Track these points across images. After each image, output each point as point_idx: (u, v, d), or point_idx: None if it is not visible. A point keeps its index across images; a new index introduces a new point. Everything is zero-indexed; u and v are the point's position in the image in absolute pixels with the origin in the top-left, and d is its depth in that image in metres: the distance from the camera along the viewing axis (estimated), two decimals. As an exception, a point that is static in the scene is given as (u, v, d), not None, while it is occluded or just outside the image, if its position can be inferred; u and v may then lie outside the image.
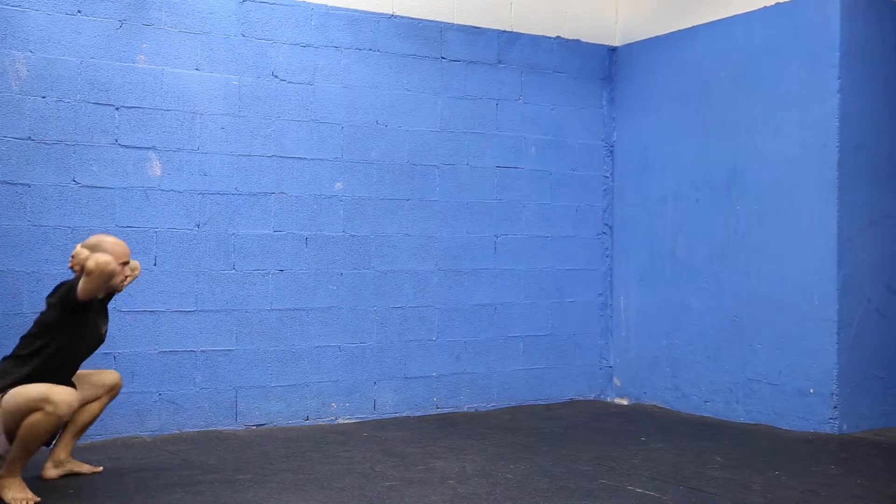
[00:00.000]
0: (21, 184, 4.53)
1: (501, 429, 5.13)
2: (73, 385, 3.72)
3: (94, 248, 3.67)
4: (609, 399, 6.23)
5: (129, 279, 3.90)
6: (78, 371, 3.84)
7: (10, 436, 3.51)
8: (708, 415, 5.56)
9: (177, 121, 4.89)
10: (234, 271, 5.04)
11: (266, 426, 5.07)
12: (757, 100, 5.36)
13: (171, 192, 4.87)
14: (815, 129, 5.05)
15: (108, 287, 3.69)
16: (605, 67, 6.30)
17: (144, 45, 4.81)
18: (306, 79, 5.24)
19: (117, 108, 4.75)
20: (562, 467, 4.15)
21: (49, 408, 3.39)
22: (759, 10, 5.36)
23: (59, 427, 3.53)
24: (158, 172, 4.84)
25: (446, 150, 5.69)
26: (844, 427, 4.94)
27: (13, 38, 4.51)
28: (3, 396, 3.50)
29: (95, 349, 3.85)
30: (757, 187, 5.35)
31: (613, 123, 6.32)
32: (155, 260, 4.83)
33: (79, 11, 4.66)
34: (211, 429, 4.92)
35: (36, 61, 4.56)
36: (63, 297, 3.56)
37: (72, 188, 4.64)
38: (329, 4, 5.30)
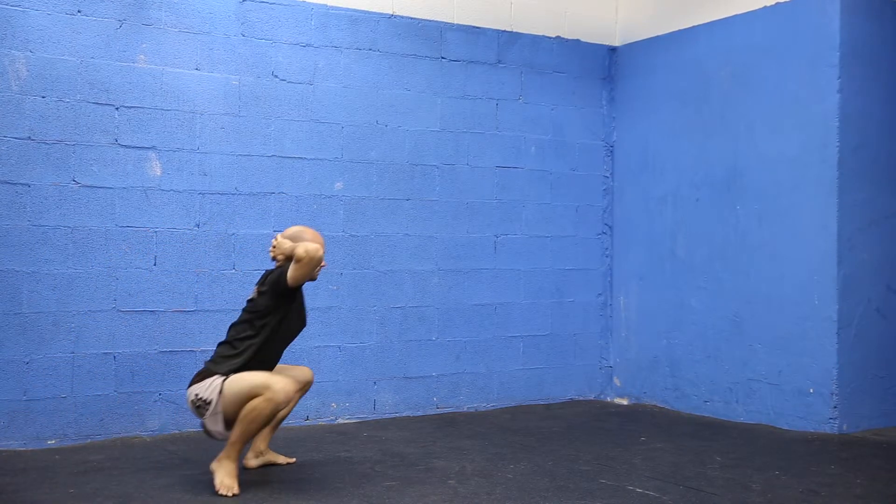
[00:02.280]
0: (21, 184, 4.53)
1: (501, 429, 5.13)
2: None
3: (295, 239, 3.89)
4: (609, 399, 6.23)
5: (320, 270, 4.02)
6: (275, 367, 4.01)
7: (229, 422, 3.71)
8: (708, 415, 5.56)
9: (177, 121, 4.89)
10: (234, 271, 5.04)
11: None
12: (757, 99, 5.36)
13: (171, 192, 4.87)
14: (815, 129, 5.05)
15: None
16: (605, 67, 6.30)
17: (144, 45, 4.82)
18: (306, 79, 5.24)
19: (117, 108, 4.75)
20: (562, 467, 4.15)
21: (269, 394, 3.60)
22: (759, 10, 5.36)
23: (276, 413, 3.72)
24: (158, 172, 4.85)
25: (446, 150, 5.69)
26: (844, 427, 4.94)
27: (13, 38, 4.51)
28: (224, 381, 3.70)
29: (300, 332, 4.06)
30: (757, 187, 5.35)
31: (613, 123, 6.32)
32: (155, 260, 4.83)
33: (79, 11, 4.66)
34: (211, 429, 4.92)
35: (36, 61, 4.56)
36: (273, 283, 3.79)
37: (72, 188, 4.64)
38: (329, 4, 5.31)
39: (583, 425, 5.26)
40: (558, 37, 6.11)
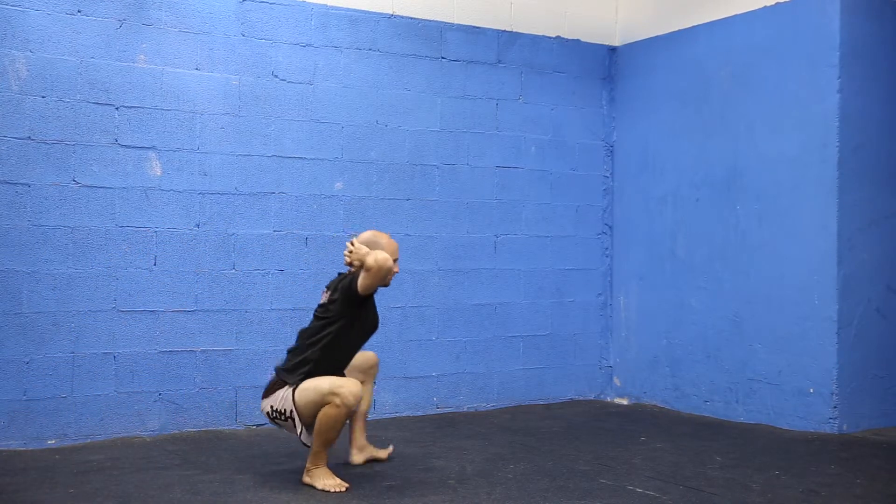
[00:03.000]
0: (21, 184, 4.53)
1: (501, 429, 5.13)
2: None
3: (370, 245, 3.94)
4: (609, 399, 6.23)
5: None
6: None
7: (309, 426, 3.80)
8: (708, 415, 5.56)
9: (177, 121, 4.89)
10: (234, 271, 5.04)
11: (266, 426, 5.07)
12: (757, 99, 5.36)
13: (171, 192, 4.87)
14: (815, 129, 5.05)
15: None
16: (605, 67, 6.30)
17: (144, 45, 4.82)
18: (306, 79, 5.24)
19: (117, 108, 4.75)
20: (562, 467, 4.15)
21: (337, 401, 3.67)
22: (759, 10, 5.36)
23: (349, 416, 3.81)
24: (158, 172, 4.85)
25: (446, 150, 5.69)
26: (844, 427, 4.94)
27: (13, 38, 4.51)
28: (294, 391, 3.78)
29: (370, 336, 4.07)
30: (757, 187, 5.35)
31: (613, 123, 6.32)
32: (155, 260, 4.83)
33: (79, 11, 4.66)
34: (211, 429, 4.92)
35: (36, 61, 4.56)
36: (345, 290, 3.84)
37: (72, 188, 4.64)
38: (329, 4, 5.31)
39: (583, 425, 5.26)
40: (558, 37, 6.11)
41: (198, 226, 4.94)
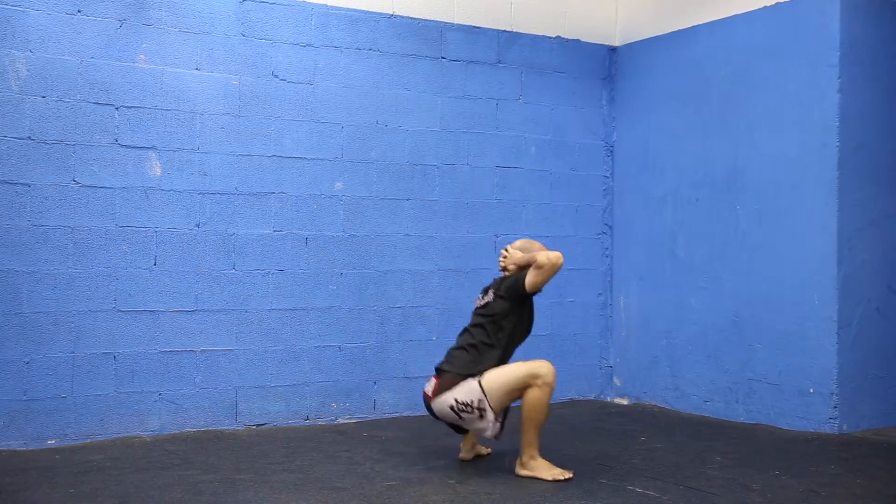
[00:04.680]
0: (21, 184, 4.53)
1: (501, 429, 5.13)
2: None
3: (525, 250, 4.12)
4: (609, 399, 6.23)
5: None
6: None
7: (499, 415, 3.91)
8: (708, 415, 5.56)
9: (177, 121, 4.89)
10: (234, 271, 5.04)
11: (266, 426, 5.07)
12: (757, 99, 5.36)
13: (171, 192, 4.87)
14: (815, 129, 5.05)
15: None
16: (605, 67, 6.30)
17: (144, 45, 4.82)
18: (306, 79, 5.24)
19: (117, 108, 4.75)
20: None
21: (539, 381, 3.81)
22: (759, 10, 5.36)
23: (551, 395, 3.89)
24: (158, 172, 4.85)
25: (446, 150, 5.69)
26: (844, 427, 4.94)
27: (13, 38, 4.51)
28: (481, 381, 3.89)
29: (526, 337, 4.18)
30: (757, 187, 5.35)
31: (613, 123, 6.32)
32: (155, 260, 4.83)
33: (79, 11, 4.66)
34: (211, 429, 4.93)
35: (36, 61, 4.56)
36: (511, 289, 4.00)
37: (72, 188, 4.64)
38: (329, 4, 5.31)
39: (583, 425, 5.25)
40: (558, 37, 6.11)
41: (198, 226, 4.94)
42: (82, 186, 4.66)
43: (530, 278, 3.94)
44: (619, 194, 6.29)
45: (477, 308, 4.17)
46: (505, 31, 5.90)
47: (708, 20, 5.68)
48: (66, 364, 4.60)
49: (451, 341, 5.65)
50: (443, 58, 5.69)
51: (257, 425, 5.06)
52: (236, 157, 5.05)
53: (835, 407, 4.92)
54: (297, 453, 4.40)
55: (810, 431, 4.97)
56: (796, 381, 5.08)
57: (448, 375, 3.98)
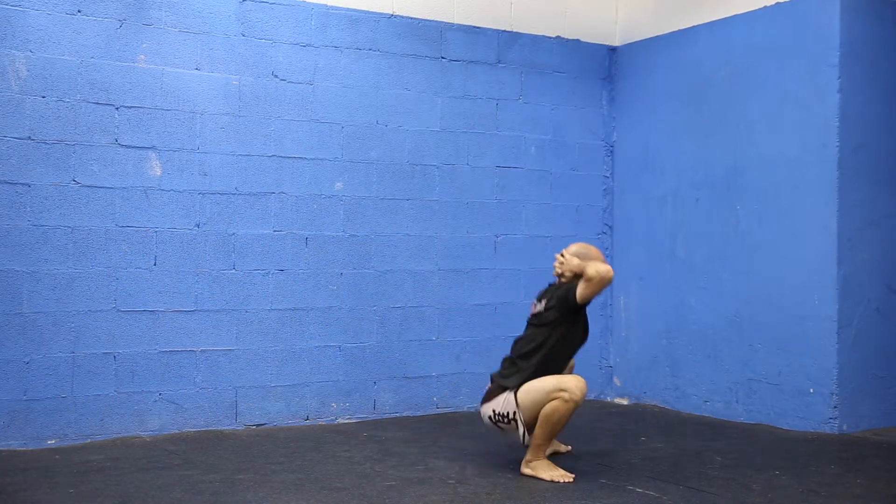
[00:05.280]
0: (21, 184, 4.53)
1: (501, 429, 5.13)
2: None
3: (581, 257, 4.07)
4: (609, 399, 6.23)
5: None
6: None
7: (530, 427, 3.93)
8: (708, 415, 5.56)
9: (177, 121, 4.89)
10: (234, 271, 5.04)
11: (266, 426, 5.07)
12: (757, 99, 5.36)
13: (171, 192, 4.87)
14: (815, 129, 5.05)
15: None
16: (605, 67, 6.30)
17: (144, 45, 4.82)
18: (306, 79, 5.24)
19: (117, 108, 4.75)
20: (562, 467, 4.15)
21: (566, 395, 3.82)
22: (759, 10, 5.36)
23: (574, 411, 3.89)
24: (158, 172, 4.85)
25: (446, 150, 5.69)
26: (844, 427, 4.94)
27: (13, 38, 4.51)
28: (516, 393, 3.93)
29: (582, 345, 4.19)
30: (757, 187, 5.34)
31: (613, 123, 6.32)
32: (155, 260, 4.83)
33: (79, 11, 4.66)
34: (211, 429, 4.93)
35: (36, 61, 4.56)
36: (562, 300, 3.98)
37: (72, 188, 4.64)
38: (329, 4, 5.31)
39: (583, 425, 5.25)
40: (558, 37, 6.11)
41: (198, 226, 4.94)
42: (82, 186, 4.66)
43: (580, 291, 3.92)
44: (619, 194, 6.29)
45: (532, 315, 4.15)
46: (505, 31, 5.90)
47: (708, 20, 5.68)
48: (66, 364, 4.60)
49: (451, 341, 5.69)
50: (443, 58, 5.69)
51: (257, 425, 5.06)
52: (236, 157, 5.05)
53: (835, 407, 4.92)
54: (297, 453, 4.40)
55: (810, 431, 4.97)
56: (796, 381, 5.08)
57: (494, 385, 4.06)
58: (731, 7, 5.54)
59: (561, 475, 3.90)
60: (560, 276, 4.12)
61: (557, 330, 4.00)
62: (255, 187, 5.09)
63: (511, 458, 4.33)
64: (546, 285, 4.27)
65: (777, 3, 5.26)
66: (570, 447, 4.49)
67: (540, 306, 4.09)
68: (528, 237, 5.97)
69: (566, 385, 3.82)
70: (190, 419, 4.89)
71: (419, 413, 5.54)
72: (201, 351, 4.93)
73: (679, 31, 5.88)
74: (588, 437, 4.91)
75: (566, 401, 3.81)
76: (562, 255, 4.13)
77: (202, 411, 4.93)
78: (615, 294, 6.27)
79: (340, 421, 5.30)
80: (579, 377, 3.88)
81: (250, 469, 4.07)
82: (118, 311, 4.72)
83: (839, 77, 4.95)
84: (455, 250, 5.71)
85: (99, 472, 3.97)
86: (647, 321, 6.04)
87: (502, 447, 4.58)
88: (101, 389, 4.68)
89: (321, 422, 5.24)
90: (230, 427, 4.98)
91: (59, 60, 4.61)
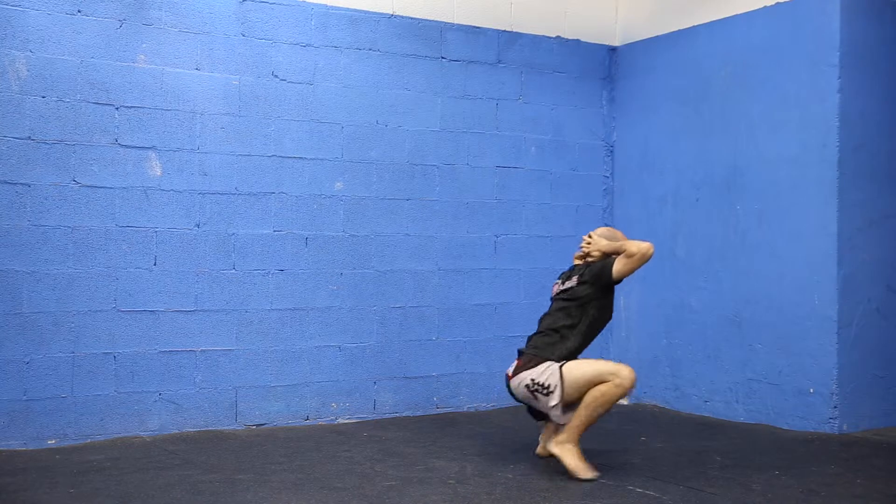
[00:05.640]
0: (21, 184, 4.53)
1: (501, 429, 5.13)
2: None
3: (610, 238, 4.19)
4: (609, 399, 6.22)
5: None
6: None
7: (568, 405, 3.92)
8: (708, 415, 5.56)
9: (177, 121, 4.89)
10: (234, 271, 5.04)
11: (266, 426, 5.07)
12: (757, 100, 5.36)
13: (171, 192, 4.87)
14: (815, 129, 5.05)
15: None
16: (605, 67, 6.30)
17: (144, 45, 4.82)
18: (306, 79, 5.24)
19: (117, 108, 4.75)
20: (562, 467, 4.15)
21: (618, 380, 3.82)
22: (759, 9, 5.36)
23: (620, 399, 3.90)
24: (158, 172, 4.85)
25: (446, 150, 5.69)
26: (844, 427, 4.94)
27: (13, 38, 4.51)
28: (561, 367, 3.93)
29: (606, 325, 4.23)
30: (757, 187, 5.34)
31: (613, 123, 6.32)
32: (155, 260, 4.83)
33: (79, 11, 4.66)
34: (211, 429, 4.93)
35: (36, 61, 4.56)
36: (597, 276, 4.04)
37: (72, 188, 4.64)
38: (329, 4, 5.31)
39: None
40: (558, 37, 6.11)
41: (198, 226, 4.94)
42: (82, 186, 4.66)
43: (618, 266, 4.00)
44: (619, 194, 6.29)
45: (556, 294, 4.20)
46: (505, 31, 5.90)
47: (708, 20, 5.68)
48: (66, 364, 4.60)
49: (451, 341, 5.69)
50: (443, 58, 5.69)
51: (257, 425, 5.06)
52: (236, 157, 5.05)
53: (835, 407, 4.92)
54: (297, 453, 4.40)
55: (810, 431, 4.97)
56: (796, 381, 5.08)
57: (528, 356, 4.04)
58: (731, 7, 5.54)
59: (584, 469, 3.89)
60: (585, 255, 4.21)
61: (592, 304, 4.06)
62: (255, 187, 5.09)
63: (511, 459, 4.33)
64: (568, 268, 4.35)
65: (777, 3, 5.26)
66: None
67: (570, 283, 4.13)
68: (528, 237, 5.97)
69: (619, 371, 3.85)
70: (190, 419, 4.89)
71: (419, 413, 5.54)
72: (201, 351, 4.93)
73: (679, 31, 5.88)
74: (588, 437, 4.91)
75: (617, 386, 3.82)
76: (589, 236, 4.24)
77: (202, 411, 4.93)
78: (615, 294, 6.26)
79: (340, 421, 5.30)
80: (631, 368, 3.89)
81: (250, 469, 4.07)
82: (118, 311, 4.72)
83: (839, 77, 4.95)
84: (455, 250, 5.71)
85: (99, 472, 3.97)
86: (647, 321, 6.04)
87: (502, 447, 4.58)
88: (101, 389, 4.68)
89: (321, 422, 5.24)
90: (230, 427, 4.98)
91: (59, 60, 4.61)
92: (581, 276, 4.11)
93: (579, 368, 3.91)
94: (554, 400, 3.92)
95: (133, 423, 4.75)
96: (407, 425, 5.20)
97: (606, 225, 6.28)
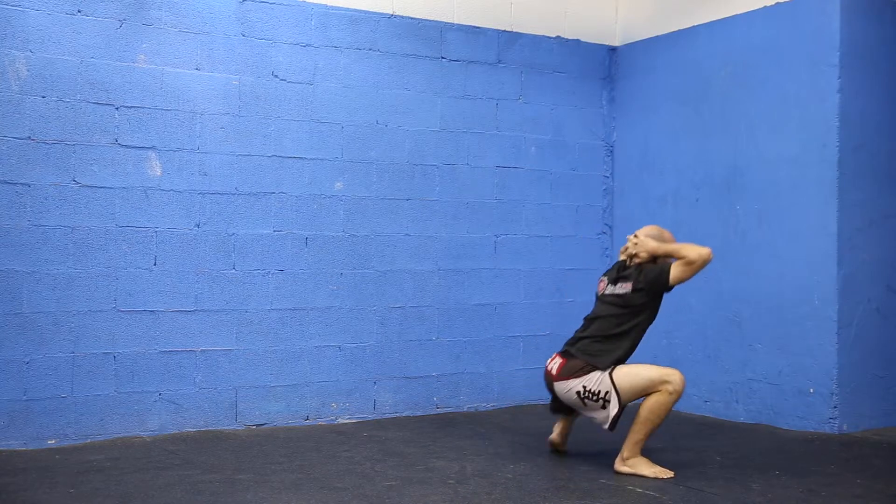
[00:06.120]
0: (21, 184, 4.53)
1: (501, 429, 5.13)
2: None
3: (658, 239, 4.11)
4: (609, 399, 6.22)
5: None
6: None
7: (621, 411, 3.96)
8: (708, 415, 5.56)
9: (177, 121, 4.89)
10: (234, 271, 5.04)
11: (266, 426, 5.07)
12: (757, 100, 5.36)
13: (171, 192, 4.87)
14: (815, 129, 5.05)
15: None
16: (605, 67, 6.30)
17: (144, 45, 4.82)
18: (306, 79, 5.24)
19: (117, 108, 4.75)
20: (562, 467, 4.16)
21: (670, 388, 3.85)
22: (759, 10, 5.36)
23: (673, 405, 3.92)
24: (158, 172, 4.84)
25: (446, 150, 5.69)
26: (844, 427, 4.94)
27: (13, 38, 4.51)
28: (612, 375, 3.95)
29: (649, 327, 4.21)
30: (757, 187, 5.35)
31: (613, 123, 6.32)
32: (155, 260, 4.83)
33: (79, 11, 4.66)
34: (211, 429, 4.93)
35: (36, 61, 4.56)
36: (653, 282, 3.99)
37: (72, 188, 4.64)
38: (329, 4, 5.31)
39: (583, 425, 5.24)
40: (558, 37, 6.11)
41: (198, 226, 4.94)
42: (82, 186, 4.66)
43: (676, 273, 3.95)
44: (619, 194, 6.29)
45: (605, 296, 4.15)
46: (505, 31, 5.90)
47: (708, 20, 5.68)
48: (66, 364, 4.60)
49: (451, 341, 5.68)
50: (443, 58, 5.69)
51: (257, 425, 5.06)
52: (236, 157, 5.05)
53: (835, 407, 4.92)
54: (297, 453, 4.40)
55: (810, 431, 4.97)
56: (796, 381, 5.08)
57: (577, 361, 4.03)
58: (731, 7, 5.54)
59: (661, 471, 3.93)
60: (632, 257, 4.13)
61: (645, 312, 4.06)
62: (255, 187, 5.09)
63: (511, 459, 4.33)
64: (611, 265, 4.32)
65: (777, 3, 5.26)
66: (567, 448, 4.49)
67: (623, 288, 4.07)
68: (528, 237, 5.97)
69: (670, 378, 3.86)
70: (190, 419, 4.89)
71: (419, 413, 5.54)
72: (201, 351, 4.93)
73: (679, 31, 5.88)
74: (588, 437, 4.91)
75: (670, 394, 3.85)
76: (635, 236, 4.15)
77: (202, 411, 4.93)
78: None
79: (340, 421, 5.30)
80: (678, 371, 3.92)
81: (250, 469, 4.07)
82: (118, 311, 4.72)
83: (839, 77, 4.95)
84: (455, 250, 5.71)
85: (99, 472, 3.97)
86: (647, 321, 6.03)
87: (502, 447, 4.58)
88: (101, 389, 4.68)
89: (321, 422, 5.24)
90: (230, 427, 4.98)
91: (59, 60, 4.61)
92: (636, 283, 4.03)
93: (631, 378, 3.93)
94: (612, 411, 3.95)
95: (133, 423, 4.75)
96: (407, 425, 5.20)
97: (607, 224, 6.29)
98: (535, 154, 6.01)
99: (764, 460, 4.31)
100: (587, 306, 6.18)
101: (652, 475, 3.91)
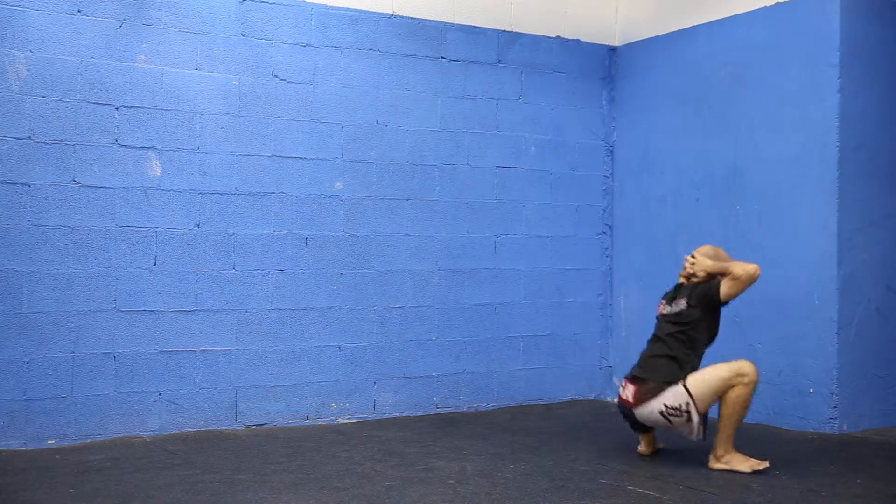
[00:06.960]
0: (21, 184, 4.53)
1: (501, 429, 5.13)
2: None
3: (714, 258, 4.26)
4: (609, 399, 6.23)
5: None
6: None
7: (703, 418, 4.08)
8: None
9: (177, 121, 4.89)
10: (234, 271, 5.04)
11: (266, 426, 5.07)
12: (757, 100, 5.36)
13: (171, 192, 4.87)
14: (815, 129, 5.05)
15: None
16: (605, 67, 6.30)
17: (144, 45, 4.82)
18: (306, 79, 5.24)
19: (117, 108, 4.75)
20: (562, 467, 4.16)
21: (745, 379, 4.01)
22: (759, 10, 5.36)
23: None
24: (158, 172, 4.85)
25: (446, 150, 5.69)
26: (844, 427, 4.94)
27: (13, 38, 4.51)
28: (686, 385, 4.07)
29: (712, 342, 4.34)
30: (757, 187, 5.34)
31: (613, 123, 6.32)
32: (155, 260, 4.83)
33: (79, 11, 4.66)
34: (211, 429, 4.93)
35: (36, 61, 4.56)
36: (703, 298, 4.17)
37: (72, 188, 4.64)
38: (329, 4, 5.31)
39: (583, 425, 5.25)
40: (558, 37, 6.11)
41: (198, 226, 4.94)
42: (82, 186, 4.66)
43: (725, 289, 4.12)
44: (619, 194, 6.29)
45: (664, 315, 4.32)
46: (505, 31, 5.90)
47: (708, 20, 5.68)
48: (66, 364, 4.60)
49: (451, 341, 5.68)
50: (443, 58, 5.69)
51: (257, 425, 5.06)
52: (236, 157, 5.05)
53: (835, 407, 4.92)
54: (297, 453, 4.40)
55: (810, 431, 4.97)
56: (796, 381, 5.08)
57: (650, 384, 4.14)
58: (731, 7, 5.54)
59: (757, 463, 4.03)
60: (690, 276, 4.28)
61: (701, 325, 4.18)
62: (255, 187, 5.09)
63: (511, 459, 4.33)
64: (671, 287, 4.45)
65: (777, 3, 5.26)
66: (663, 443, 4.57)
67: (679, 306, 4.24)
68: (528, 237, 5.97)
69: (743, 369, 4.01)
70: (190, 419, 4.89)
71: (419, 413, 5.54)
72: (201, 351, 4.93)
73: (679, 31, 5.88)
74: (588, 437, 4.91)
75: (746, 385, 3.99)
76: (692, 256, 4.32)
77: (202, 411, 4.93)
78: (615, 294, 6.27)
79: (340, 421, 5.30)
80: (747, 360, 4.07)
81: (250, 469, 4.07)
82: (118, 311, 4.72)
83: (839, 77, 4.95)
84: (455, 250, 5.71)
85: (99, 472, 3.97)
86: (648, 321, 6.02)
87: (502, 447, 4.58)
88: (101, 389, 4.68)
89: (321, 422, 5.24)
90: (230, 427, 4.98)
91: (59, 60, 4.61)
92: (689, 299, 4.21)
93: (705, 383, 4.05)
94: (695, 420, 4.05)
95: (133, 423, 4.75)
96: (407, 425, 5.20)
97: (607, 224, 6.29)
98: (535, 154, 6.01)
99: (764, 460, 4.31)
100: (587, 306, 6.21)
101: (749, 469, 4.01)
